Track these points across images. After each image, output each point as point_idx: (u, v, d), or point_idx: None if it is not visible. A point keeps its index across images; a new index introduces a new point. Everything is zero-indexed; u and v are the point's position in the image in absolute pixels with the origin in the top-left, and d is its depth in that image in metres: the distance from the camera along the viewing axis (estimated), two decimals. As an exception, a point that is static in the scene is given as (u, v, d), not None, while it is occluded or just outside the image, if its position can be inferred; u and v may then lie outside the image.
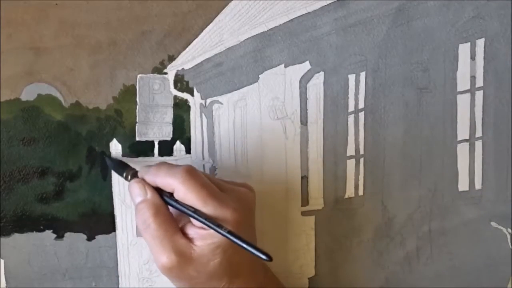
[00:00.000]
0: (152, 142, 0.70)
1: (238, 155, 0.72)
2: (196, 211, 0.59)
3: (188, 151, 0.71)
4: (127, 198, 0.68)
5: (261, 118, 0.71)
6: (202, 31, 0.69)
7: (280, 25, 0.70)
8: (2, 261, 0.68)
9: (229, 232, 0.58)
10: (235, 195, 0.63)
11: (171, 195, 0.61)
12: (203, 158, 0.71)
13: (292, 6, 0.70)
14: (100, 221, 0.69)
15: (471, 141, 0.74)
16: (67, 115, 0.67)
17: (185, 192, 0.60)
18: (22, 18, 0.65)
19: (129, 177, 0.64)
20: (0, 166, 0.67)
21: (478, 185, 0.74)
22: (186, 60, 0.69)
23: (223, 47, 0.70)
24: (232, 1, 0.69)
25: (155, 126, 0.70)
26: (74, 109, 0.67)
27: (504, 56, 0.72)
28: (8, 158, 0.67)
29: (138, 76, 0.68)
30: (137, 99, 0.69)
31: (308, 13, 0.70)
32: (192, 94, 0.70)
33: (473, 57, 0.73)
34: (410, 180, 0.74)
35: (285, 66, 0.71)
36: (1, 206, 0.67)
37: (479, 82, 0.73)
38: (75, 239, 0.69)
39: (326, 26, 0.71)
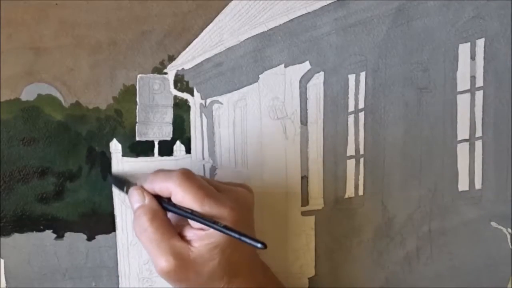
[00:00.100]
0: (152, 142, 0.70)
1: (238, 155, 0.72)
2: (193, 212, 0.60)
3: (188, 151, 0.71)
4: (127, 198, 0.68)
5: (261, 118, 0.71)
6: (202, 31, 0.69)
7: (280, 25, 0.70)
8: (2, 261, 0.68)
9: (224, 227, 0.58)
10: (233, 195, 0.63)
11: (169, 200, 0.61)
12: (203, 158, 0.71)
13: (292, 6, 0.70)
14: (100, 221, 0.69)
15: (471, 141, 0.74)
16: (67, 115, 0.67)
17: (182, 194, 0.60)
18: (22, 18, 0.65)
19: (128, 190, 0.64)
20: (0, 166, 0.67)
21: (478, 185, 0.74)
22: (186, 60, 0.69)
23: (223, 47, 0.70)
24: (232, 1, 0.69)
25: (155, 126, 0.70)
26: (74, 109, 0.67)
27: (504, 56, 0.72)
28: (8, 158, 0.67)
29: (138, 76, 0.68)
30: (137, 99, 0.69)
31: (308, 13, 0.70)
32: (192, 94, 0.70)
33: (473, 57, 0.73)
34: (410, 180, 0.74)
35: (285, 66, 0.71)
36: (1, 206, 0.67)
37: (479, 82, 0.73)
38: (75, 239, 0.69)
39: (326, 26, 0.71)
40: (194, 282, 0.61)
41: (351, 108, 0.72)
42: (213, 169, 0.71)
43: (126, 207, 0.69)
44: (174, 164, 0.69)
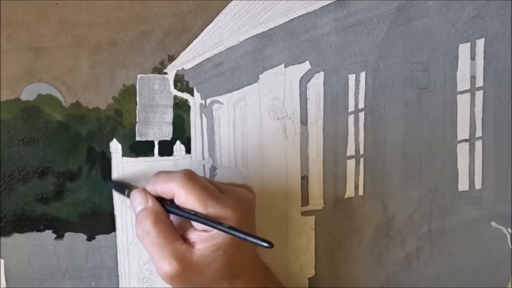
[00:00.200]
0: (152, 142, 0.70)
1: (238, 155, 0.72)
2: (196, 213, 0.59)
3: (188, 151, 0.71)
4: (127, 198, 0.68)
5: (261, 118, 0.71)
6: (202, 31, 0.69)
7: (280, 25, 0.70)
8: (2, 261, 0.68)
9: (230, 227, 0.58)
10: (235, 196, 0.63)
11: (172, 202, 0.61)
12: (203, 158, 0.71)
13: (292, 6, 0.70)
14: (100, 221, 0.69)
15: (471, 141, 0.74)
16: (67, 115, 0.67)
17: (185, 196, 0.60)
18: (22, 18, 0.65)
19: (130, 193, 0.64)
20: (0, 166, 0.67)
21: (478, 185, 0.74)
22: (186, 60, 0.69)
23: (223, 47, 0.70)
24: (232, 1, 0.69)
25: (155, 126, 0.70)
26: (74, 109, 0.67)
27: (504, 56, 0.72)
28: (8, 158, 0.67)
29: (138, 76, 0.68)
30: (137, 99, 0.69)
31: (308, 13, 0.70)
32: (192, 94, 0.70)
33: (473, 57, 0.73)
34: (410, 180, 0.74)
35: (285, 66, 0.71)
36: (1, 206, 0.67)
37: (479, 82, 0.73)
38: (75, 239, 0.69)
39: (326, 26, 0.71)
40: (197, 284, 0.61)
41: (351, 108, 0.72)
42: (213, 169, 0.71)
43: (126, 207, 0.69)
44: (174, 164, 0.69)
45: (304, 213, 0.73)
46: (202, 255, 0.60)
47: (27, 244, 0.68)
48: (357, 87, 0.72)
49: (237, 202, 0.62)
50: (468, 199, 0.74)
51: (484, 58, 0.73)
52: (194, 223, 0.61)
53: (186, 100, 0.70)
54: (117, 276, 0.71)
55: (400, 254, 0.75)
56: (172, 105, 0.70)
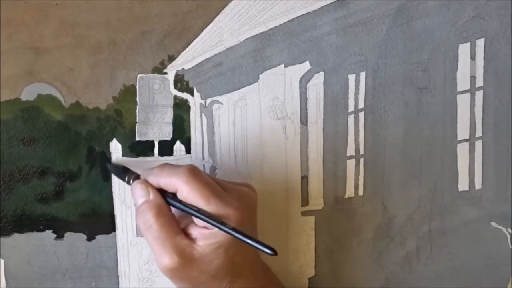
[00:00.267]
0: (152, 142, 0.70)
1: (238, 155, 0.72)
2: (199, 210, 0.59)
3: (188, 151, 0.71)
4: (127, 198, 0.68)
5: (261, 118, 0.71)
6: (202, 31, 0.69)
7: (280, 25, 0.70)
8: (2, 261, 0.68)
9: (233, 229, 0.58)
10: (238, 194, 0.63)
11: (173, 196, 0.61)
12: (203, 158, 0.71)
13: (292, 6, 0.70)
14: (100, 221, 0.69)
15: (471, 141, 0.74)
16: (67, 115, 0.67)
17: (188, 191, 0.60)
18: (22, 18, 0.65)
19: (131, 181, 0.64)
20: (0, 166, 0.67)
21: (478, 185, 0.74)
22: (186, 60, 0.69)
23: (223, 47, 0.70)
24: (232, 1, 0.69)
25: (155, 126, 0.70)
26: (74, 109, 0.67)
27: (504, 56, 0.72)
28: (8, 158, 0.67)
29: (138, 76, 0.68)
30: (137, 99, 0.69)
31: (308, 13, 0.70)
32: (192, 94, 0.70)
33: (473, 57, 0.73)
34: (410, 180, 0.74)
35: (285, 66, 0.71)
36: (1, 206, 0.67)
37: (479, 82, 0.73)
38: (75, 239, 0.69)
39: (326, 26, 0.71)
40: (197, 281, 0.61)
41: (351, 108, 0.72)
42: (213, 169, 0.71)
43: (126, 207, 0.69)
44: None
45: (304, 213, 0.73)
46: (203, 252, 0.60)
47: (27, 244, 0.68)
48: (357, 87, 0.72)
49: (239, 200, 0.62)
50: (468, 199, 0.74)
51: (484, 58, 0.73)
52: (195, 219, 0.61)
53: (186, 100, 0.70)
54: (117, 276, 0.71)
55: (400, 254, 0.75)
56: (172, 105, 0.70)
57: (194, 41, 0.69)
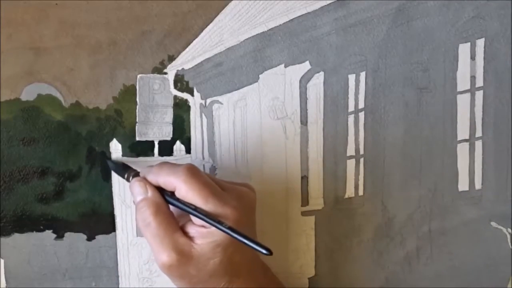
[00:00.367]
0: (152, 142, 0.70)
1: (238, 155, 0.72)
2: (197, 208, 0.59)
3: (188, 151, 0.71)
4: (127, 198, 0.68)
5: (261, 118, 0.71)
6: (202, 31, 0.69)
7: (280, 25, 0.70)
8: (2, 261, 0.68)
9: (230, 228, 0.58)
10: (236, 194, 0.63)
11: (172, 194, 0.61)
12: (203, 158, 0.71)
13: (292, 6, 0.70)
14: (100, 221, 0.69)
15: (471, 141, 0.74)
16: (67, 115, 0.67)
17: (186, 190, 0.60)
18: (22, 18, 0.65)
19: (130, 178, 0.64)
20: (0, 166, 0.67)
21: (478, 185, 0.74)
22: (186, 60, 0.69)
23: (223, 47, 0.70)
24: (232, 1, 0.69)
25: (155, 126, 0.70)
26: (74, 109, 0.67)
27: (504, 56, 0.72)
28: (8, 158, 0.67)
29: (138, 76, 0.68)
30: (137, 99, 0.69)
31: (308, 13, 0.70)
32: (192, 94, 0.70)
33: (473, 57, 0.73)
34: (410, 180, 0.74)
35: (285, 66, 0.71)
36: (1, 206, 0.67)
37: (479, 82, 0.73)
38: (75, 239, 0.69)
39: (326, 26, 0.71)
40: (195, 279, 0.61)
41: (351, 108, 0.72)
42: (213, 169, 0.71)
43: (126, 207, 0.69)
44: (174, 164, 0.69)
45: (304, 213, 0.73)
46: (201, 250, 0.60)
47: (27, 244, 0.68)
48: (357, 87, 0.72)
49: (238, 200, 0.62)
50: (468, 199, 0.74)
51: (484, 58, 0.73)
52: (193, 218, 0.61)
53: (186, 100, 0.70)
54: (117, 276, 0.71)
55: (400, 254, 0.75)
56: (172, 105, 0.70)
57: (194, 41, 0.69)
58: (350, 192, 0.74)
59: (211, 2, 0.68)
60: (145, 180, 0.63)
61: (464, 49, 0.72)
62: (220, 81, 0.71)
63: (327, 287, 0.74)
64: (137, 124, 0.69)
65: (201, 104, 0.71)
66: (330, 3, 0.70)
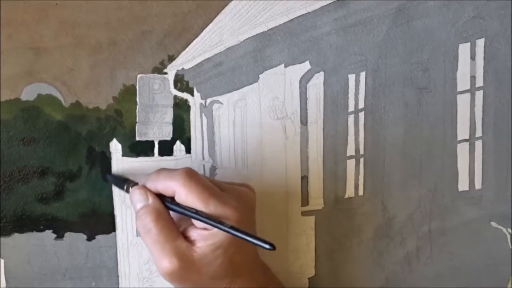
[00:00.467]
0: (152, 142, 0.70)
1: (238, 155, 0.72)
2: (197, 211, 0.59)
3: (188, 151, 0.71)
4: (127, 198, 0.68)
5: (261, 118, 0.71)
6: (202, 31, 0.69)
7: (280, 25, 0.70)
8: (2, 261, 0.68)
9: (232, 227, 0.58)
10: (236, 194, 0.63)
11: (172, 200, 0.61)
12: (203, 158, 0.71)
13: (292, 6, 0.70)
14: (100, 221, 0.69)
15: (471, 141, 0.74)
16: (67, 115, 0.67)
17: (186, 194, 0.60)
18: (22, 18, 0.65)
19: (129, 188, 0.64)
20: (0, 166, 0.67)
21: (478, 185, 0.74)
22: (186, 60, 0.69)
23: (223, 47, 0.70)
24: (232, 1, 0.69)
25: (155, 126, 0.70)
26: (74, 109, 0.67)
27: (504, 56, 0.72)
28: (8, 158, 0.67)
29: (138, 76, 0.68)
30: (137, 99, 0.69)
31: (308, 13, 0.70)
32: (192, 94, 0.70)
33: (473, 57, 0.73)
34: (410, 180, 0.74)
35: (285, 66, 0.71)
36: (1, 206, 0.67)
37: (479, 82, 0.73)
38: (75, 239, 0.69)
39: (326, 26, 0.71)
40: (197, 283, 0.61)
41: (351, 108, 0.72)
42: (213, 169, 0.71)
43: (126, 207, 0.69)
44: (174, 164, 0.69)
45: (304, 213, 0.73)
46: (202, 253, 0.60)
47: (27, 244, 0.68)
48: (357, 87, 0.72)
49: (238, 201, 0.62)
50: (468, 199, 0.74)
51: (484, 58, 0.73)
52: (194, 221, 0.61)
53: (186, 100, 0.70)
54: (117, 276, 0.71)
55: (400, 254, 0.75)
56: (172, 105, 0.70)
57: (194, 41, 0.69)
58: (350, 192, 0.74)
59: (211, 2, 0.68)
60: (144, 187, 0.63)
61: (464, 49, 0.72)
62: (220, 81, 0.71)
63: (327, 287, 0.74)
64: (137, 124, 0.69)
65: (201, 104, 0.71)
66: (330, 3, 0.70)
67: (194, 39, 0.69)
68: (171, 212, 0.62)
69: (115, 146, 0.69)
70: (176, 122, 0.70)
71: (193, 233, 0.61)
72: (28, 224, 0.68)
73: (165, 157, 0.70)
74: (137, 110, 0.69)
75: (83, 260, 0.70)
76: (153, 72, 0.69)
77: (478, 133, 0.73)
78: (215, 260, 0.60)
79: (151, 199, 0.62)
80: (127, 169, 0.68)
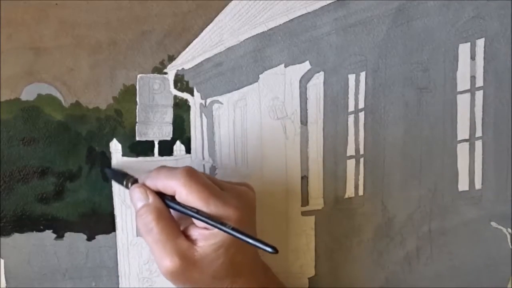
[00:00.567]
0: (152, 142, 0.70)
1: (238, 155, 0.72)
2: (198, 211, 0.59)
3: (188, 151, 0.71)
4: (127, 198, 0.68)
5: (261, 118, 0.71)
6: (202, 31, 0.69)
7: (280, 25, 0.70)
8: (2, 261, 0.68)
9: (233, 229, 0.58)
10: (236, 194, 0.63)
11: (172, 198, 0.61)
12: (203, 158, 0.71)
13: (292, 6, 0.70)
14: (100, 221, 0.69)
15: (471, 141, 0.74)
16: (67, 115, 0.67)
17: (187, 194, 0.60)
18: (22, 18, 0.65)
19: (129, 185, 0.64)
20: (0, 166, 0.67)
21: (478, 185, 0.74)
22: (186, 60, 0.69)
23: (223, 47, 0.70)
24: (232, 1, 0.69)
25: (155, 126, 0.70)
26: (74, 109, 0.67)
27: (504, 56, 0.72)
28: (8, 158, 0.67)
29: (138, 76, 0.68)
30: (137, 99, 0.69)
31: (308, 13, 0.70)
32: (192, 94, 0.70)
33: (473, 57, 0.73)
34: (410, 180, 0.74)
35: (285, 66, 0.71)
36: (1, 206, 0.67)
37: (479, 82, 0.73)
38: (75, 239, 0.69)
39: (326, 26, 0.71)
40: (198, 282, 0.61)
41: (351, 108, 0.72)
42: (213, 169, 0.71)
43: (126, 207, 0.69)
44: (174, 164, 0.69)
45: (304, 213, 0.73)
46: (204, 252, 0.60)
47: (27, 244, 0.68)
48: (357, 87, 0.72)
49: (238, 200, 0.62)
50: (468, 199, 0.74)
51: (484, 58, 0.73)
52: (195, 220, 0.61)
53: (186, 100, 0.70)
54: (117, 276, 0.71)
55: (400, 254, 0.75)
56: (172, 105, 0.70)
57: (194, 41, 0.69)
58: (350, 192, 0.74)
59: (211, 2, 0.68)
60: (144, 186, 0.62)
61: (464, 49, 0.72)
62: (220, 81, 0.71)
63: (327, 287, 0.74)
64: (137, 124, 0.69)
65: (201, 104, 0.71)
66: (330, 3, 0.70)
67: (194, 39, 0.69)
68: (172, 211, 0.62)
69: (115, 146, 0.69)
70: (176, 122, 0.70)
71: (194, 232, 0.61)
72: (28, 224, 0.68)
73: (165, 157, 0.70)
74: (137, 110, 0.69)
75: (83, 260, 0.70)
76: (153, 72, 0.69)
77: (478, 133, 0.73)
78: (216, 259, 0.60)
79: (151, 198, 0.62)
80: (127, 169, 0.68)
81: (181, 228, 0.62)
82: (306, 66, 0.71)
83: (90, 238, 0.69)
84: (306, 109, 0.72)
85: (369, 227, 0.74)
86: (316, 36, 0.71)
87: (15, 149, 0.67)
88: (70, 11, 0.66)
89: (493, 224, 0.75)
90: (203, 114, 0.71)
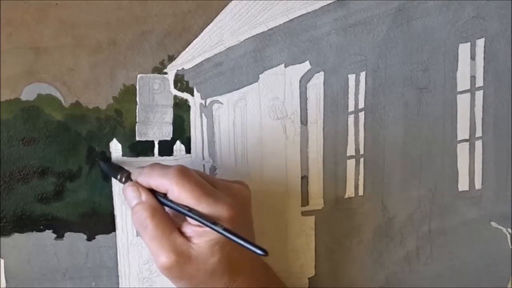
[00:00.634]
0: (152, 142, 0.70)
1: (238, 155, 0.72)
2: (191, 209, 0.59)
3: (188, 151, 0.71)
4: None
5: (261, 118, 0.71)
6: (202, 31, 0.69)
7: (280, 25, 0.70)
8: (2, 261, 0.68)
9: (224, 229, 0.58)
10: (229, 192, 0.63)
11: (165, 195, 0.61)
12: (203, 158, 0.71)
13: (292, 6, 0.70)
14: (100, 221, 0.69)
15: (471, 141, 0.74)
16: (67, 115, 0.67)
17: (179, 192, 0.60)
18: (22, 18, 0.65)
19: (123, 180, 0.64)
20: (0, 166, 0.67)
21: (478, 185, 0.74)
22: (186, 60, 0.69)
23: (223, 47, 0.70)
24: (232, 1, 0.69)
25: (155, 126, 0.70)
26: (74, 109, 0.67)
27: (504, 56, 0.72)
28: (8, 158, 0.67)
29: (138, 76, 0.68)
30: (137, 99, 0.69)
31: (308, 13, 0.70)
32: (192, 94, 0.70)
33: (473, 57, 0.73)
34: (410, 180, 0.74)
35: (285, 66, 0.71)
36: (1, 206, 0.67)
37: (479, 82, 0.73)
38: (75, 239, 0.69)
39: (326, 26, 0.71)
40: (196, 279, 0.61)
41: (351, 108, 0.72)
42: (213, 169, 0.71)
43: (126, 207, 0.69)
44: (174, 164, 0.69)
45: (304, 213, 0.73)
46: (199, 249, 0.60)
47: (27, 244, 0.68)
48: (357, 87, 0.72)
49: (231, 197, 0.62)
50: (468, 199, 0.74)
51: (484, 58, 0.73)
52: (188, 218, 0.61)
53: (186, 100, 0.70)
54: (117, 276, 0.71)
55: (400, 254, 0.75)
56: (172, 105, 0.70)
57: (194, 41, 0.69)
58: (350, 192, 0.74)
59: (211, 2, 0.68)
60: (137, 184, 0.63)
61: (464, 49, 0.72)
62: (220, 81, 0.71)
63: (327, 287, 0.74)
64: (137, 124, 0.69)
65: (201, 104, 0.71)
66: (330, 3, 0.70)
67: (194, 39, 0.69)
68: (167, 208, 0.62)
69: (115, 146, 0.69)
70: (176, 122, 0.70)
71: (188, 230, 0.61)
72: (28, 224, 0.68)
73: (165, 157, 0.70)
74: (137, 110, 0.69)
75: (83, 260, 0.70)
76: (153, 72, 0.69)
77: (478, 133, 0.73)
78: (212, 256, 0.60)
79: (144, 196, 0.62)
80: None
81: (177, 225, 0.62)
82: (306, 66, 0.71)
83: (90, 238, 0.69)
84: (306, 109, 0.72)
85: (369, 227, 0.74)
86: (316, 36, 0.71)
87: (15, 149, 0.67)
88: (70, 11, 0.66)
89: (493, 224, 0.75)
90: (203, 114, 0.71)
